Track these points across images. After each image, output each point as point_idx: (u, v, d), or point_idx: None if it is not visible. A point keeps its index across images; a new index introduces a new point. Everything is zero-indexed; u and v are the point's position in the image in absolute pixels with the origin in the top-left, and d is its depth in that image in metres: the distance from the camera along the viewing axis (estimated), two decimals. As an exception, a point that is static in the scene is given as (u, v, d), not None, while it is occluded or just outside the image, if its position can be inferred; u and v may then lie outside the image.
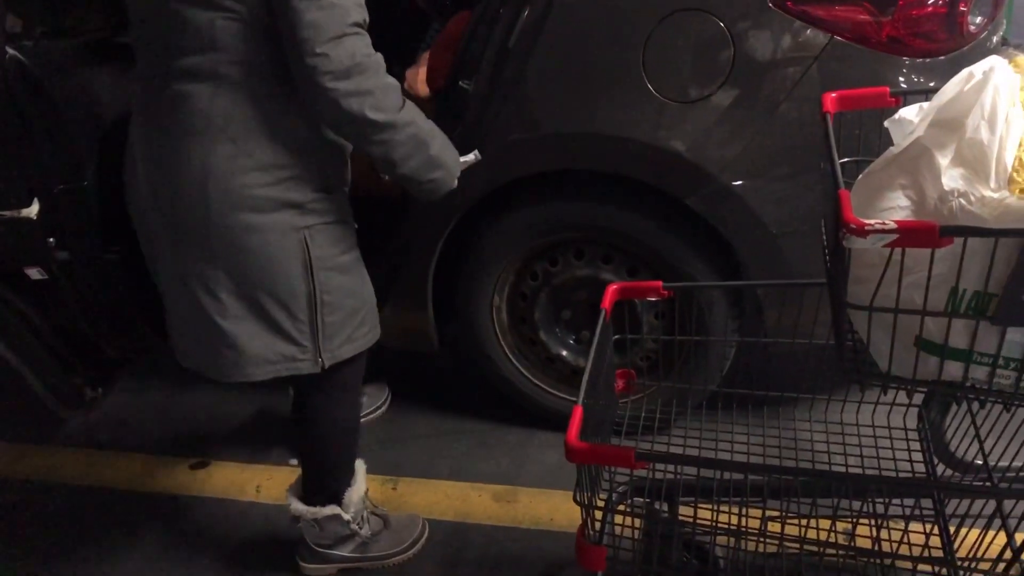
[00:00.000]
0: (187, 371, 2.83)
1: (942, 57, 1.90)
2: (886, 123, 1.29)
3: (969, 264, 1.04)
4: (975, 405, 1.50)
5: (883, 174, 1.17)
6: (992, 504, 1.39)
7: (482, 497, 2.25)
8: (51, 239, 1.75)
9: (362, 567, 2.03)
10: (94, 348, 1.95)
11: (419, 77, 2.40)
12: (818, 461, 1.70)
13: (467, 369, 2.58)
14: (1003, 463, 1.52)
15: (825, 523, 1.46)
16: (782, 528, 1.42)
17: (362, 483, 1.98)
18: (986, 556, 1.33)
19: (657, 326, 2.25)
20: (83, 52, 1.78)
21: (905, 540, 1.38)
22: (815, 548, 1.39)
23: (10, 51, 1.61)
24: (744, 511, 1.54)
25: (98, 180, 1.79)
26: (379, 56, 1.52)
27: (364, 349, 1.80)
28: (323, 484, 1.93)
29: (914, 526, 1.42)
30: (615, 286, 1.66)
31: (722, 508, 1.56)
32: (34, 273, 1.78)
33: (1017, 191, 1.00)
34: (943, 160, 1.07)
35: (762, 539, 1.41)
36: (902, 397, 1.61)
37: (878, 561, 1.44)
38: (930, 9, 1.87)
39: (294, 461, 2.03)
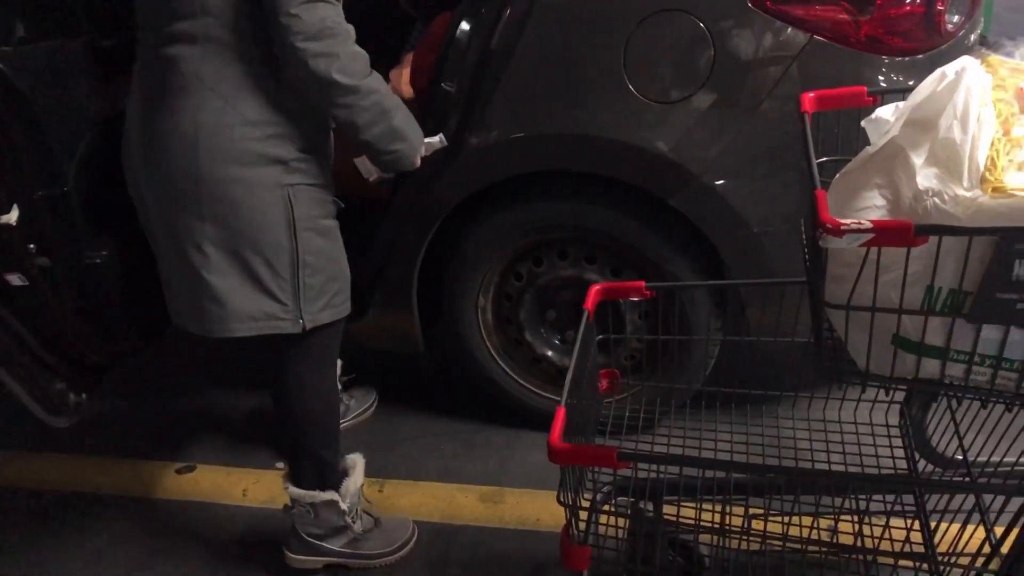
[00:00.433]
0: (172, 376, 2.84)
1: (920, 56, 1.92)
2: (863, 122, 1.30)
3: (944, 262, 1.05)
4: (954, 402, 1.52)
5: (859, 173, 1.18)
6: (972, 499, 1.40)
7: (469, 498, 2.26)
8: (31, 245, 1.74)
9: (349, 565, 2.03)
10: (77, 354, 1.94)
11: (403, 78, 2.40)
12: (801, 459, 1.71)
13: (453, 371, 2.59)
14: (982, 458, 1.53)
15: (808, 520, 1.47)
16: (765, 526, 1.43)
17: (360, 476, 1.99)
18: (966, 551, 1.34)
19: (641, 326, 2.26)
20: (64, 57, 1.77)
21: (886, 536, 1.39)
22: (798, 545, 1.40)
23: (-12, 56, 1.61)
24: (727, 509, 1.54)
25: (78, 186, 1.78)
26: (350, 27, 1.60)
27: (340, 317, 1.84)
28: (311, 462, 1.92)
29: (895, 522, 1.43)
30: (598, 286, 1.67)
31: (706, 506, 1.57)
32: (15, 279, 1.77)
33: (990, 190, 1.01)
34: (917, 159, 1.07)
35: (745, 537, 1.41)
36: (883, 394, 1.62)
37: (860, 557, 1.45)
38: (908, 8, 1.88)
39: (280, 464, 2.03)
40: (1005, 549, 1.29)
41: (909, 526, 1.41)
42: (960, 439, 1.53)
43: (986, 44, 2.11)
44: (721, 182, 1.97)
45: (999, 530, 1.32)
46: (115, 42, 1.88)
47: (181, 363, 2.90)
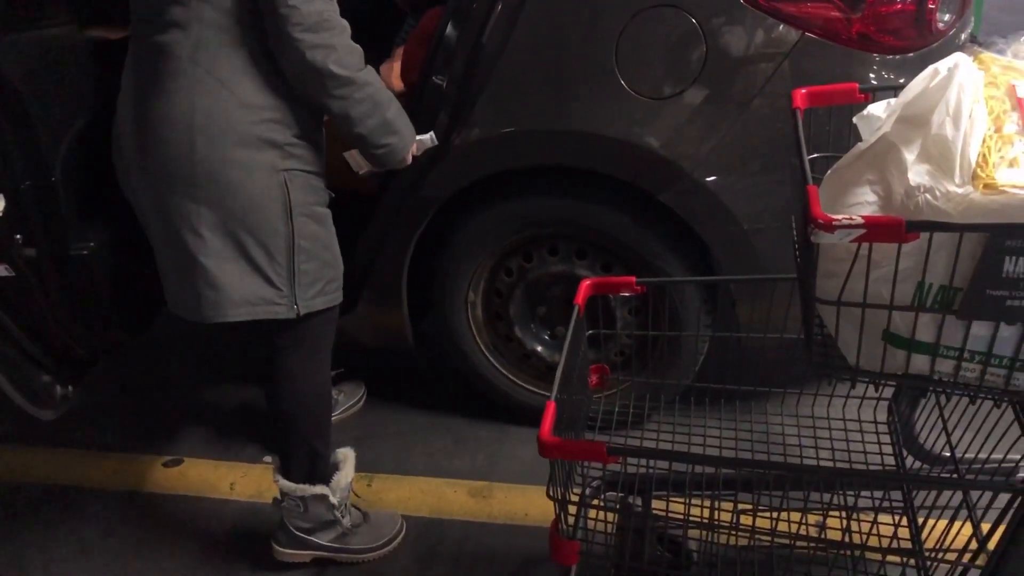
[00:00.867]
0: (160, 368, 2.82)
1: (911, 54, 1.92)
2: (855, 119, 1.30)
3: (935, 259, 1.06)
4: (943, 398, 1.53)
5: (851, 170, 1.18)
6: (959, 495, 1.41)
7: (457, 493, 2.25)
8: (18, 236, 1.73)
9: (337, 559, 2.02)
10: (64, 346, 1.92)
11: (393, 72, 2.39)
12: (790, 455, 1.72)
13: (442, 366, 2.58)
14: (970, 455, 1.54)
15: (796, 516, 1.47)
16: (754, 521, 1.44)
17: (350, 470, 1.99)
18: (953, 547, 1.34)
19: (631, 322, 2.26)
20: (51, 46, 1.76)
21: (874, 532, 1.39)
22: (786, 540, 1.40)
23: (-26, 45, 1.59)
24: (716, 504, 1.55)
25: (65, 176, 1.76)
26: (345, 22, 1.62)
27: (333, 305, 1.84)
28: (302, 454, 1.92)
29: (883, 518, 1.44)
30: (588, 282, 1.67)
31: (694, 502, 1.57)
32: (1, 270, 1.76)
33: (981, 186, 1.01)
34: (909, 156, 1.08)
35: (734, 532, 1.42)
36: (872, 390, 1.63)
37: (848, 553, 1.46)
38: (899, 7, 1.89)
39: (268, 458, 2.02)
40: (992, 545, 1.29)
41: (897, 522, 1.41)
42: (948, 435, 1.53)
43: (976, 44, 2.12)
44: (712, 178, 1.97)
45: (986, 526, 1.32)
46: (101, 31, 1.87)
47: (169, 356, 2.88)
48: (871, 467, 1.67)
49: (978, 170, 1.02)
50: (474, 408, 2.52)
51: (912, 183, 1.07)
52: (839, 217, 1.03)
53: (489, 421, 2.49)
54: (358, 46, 1.65)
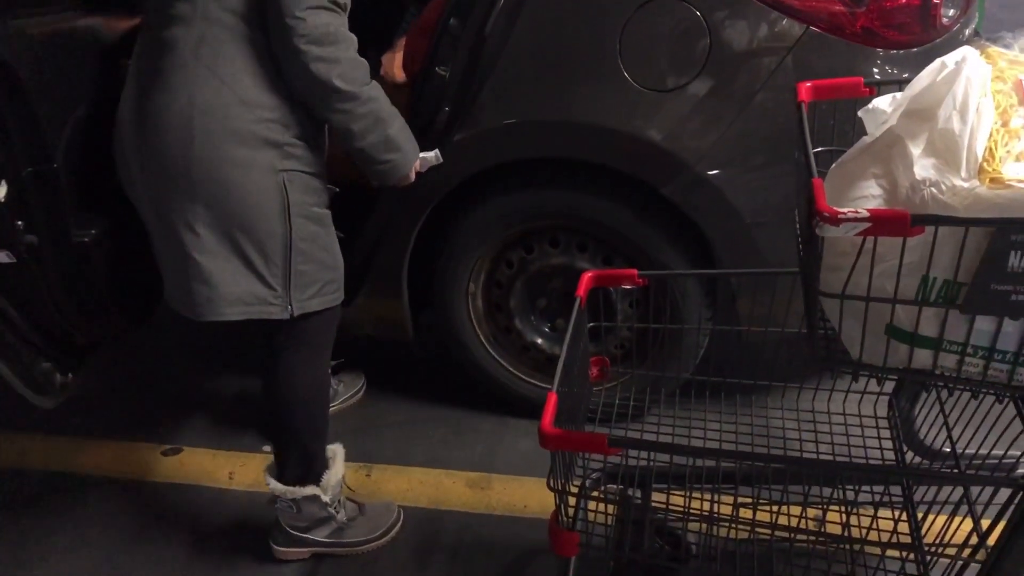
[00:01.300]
0: (159, 357, 2.82)
1: (915, 49, 1.92)
2: (860, 113, 1.29)
3: (939, 253, 1.05)
4: (944, 393, 1.53)
5: (856, 163, 1.18)
6: (959, 491, 1.41)
7: (456, 484, 2.25)
8: (19, 222, 1.72)
9: (336, 553, 2.02)
10: (64, 333, 1.92)
11: (395, 63, 2.38)
12: (789, 448, 1.72)
13: (442, 357, 2.58)
14: (970, 450, 1.54)
15: (796, 509, 1.47)
16: (754, 514, 1.43)
17: (340, 467, 1.98)
18: (953, 542, 1.34)
19: (632, 315, 2.26)
20: (54, 32, 1.75)
21: (874, 526, 1.39)
22: (786, 534, 1.40)
23: (-24, 30, 1.58)
24: (716, 498, 1.55)
25: (68, 163, 1.76)
26: (353, 36, 1.61)
27: (331, 306, 1.82)
28: (297, 455, 1.91)
29: (883, 512, 1.44)
30: (590, 274, 1.66)
31: (694, 495, 1.57)
32: (2, 257, 1.75)
33: (987, 181, 1.01)
34: (915, 150, 1.07)
35: (734, 525, 1.42)
36: (873, 385, 1.63)
37: (847, 547, 1.46)
38: (904, 1, 1.88)
39: (267, 448, 2.02)
40: (992, 541, 1.30)
41: (897, 517, 1.41)
42: (949, 431, 1.53)
43: (980, 38, 2.11)
44: (714, 172, 1.97)
45: (986, 522, 1.32)
46: (104, 19, 1.87)
47: (169, 344, 2.88)
48: (871, 462, 1.67)
49: (984, 164, 1.02)
50: (473, 400, 2.52)
51: (918, 177, 1.06)
52: (844, 210, 1.03)
53: (488, 413, 2.50)
54: (364, 61, 1.64)
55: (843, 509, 1.49)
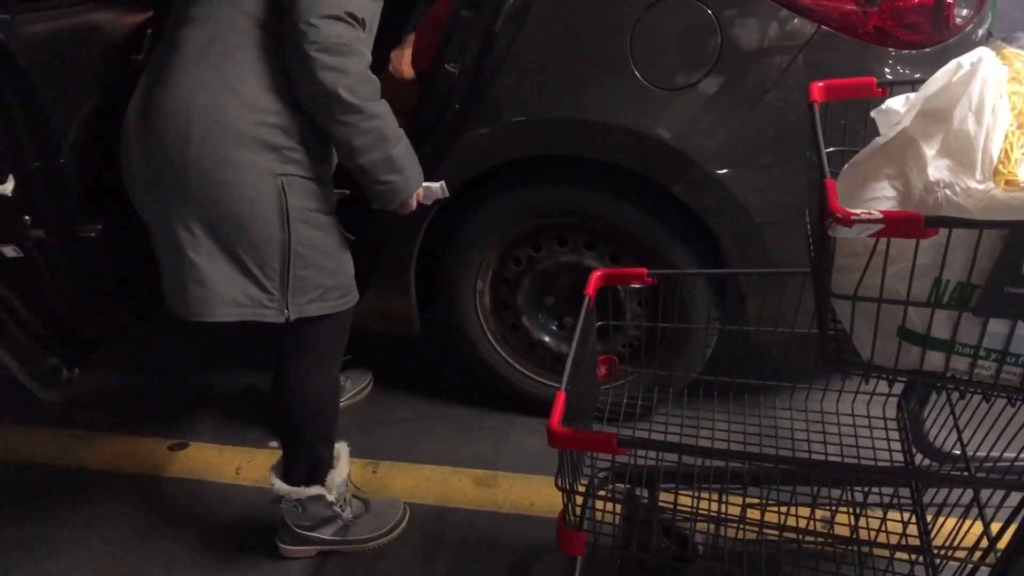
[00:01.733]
0: (166, 351, 2.82)
1: (928, 49, 1.91)
2: (873, 113, 1.28)
3: (953, 255, 1.05)
4: (954, 395, 1.52)
5: (869, 164, 1.17)
6: (969, 493, 1.40)
7: (462, 481, 2.25)
8: (26, 217, 1.72)
9: (342, 551, 2.02)
10: (70, 328, 1.92)
11: (404, 59, 2.38)
12: (798, 449, 1.71)
13: (449, 354, 2.58)
14: (980, 453, 1.53)
15: (804, 511, 1.47)
16: (762, 515, 1.43)
17: (345, 466, 1.98)
18: (962, 545, 1.34)
19: (640, 313, 2.25)
20: (63, 28, 1.75)
21: (883, 528, 1.39)
22: (794, 535, 1.40)
23: (-15, 24, 1.58)
24: (724, 498, 1.54)
25: (75, 158, 1.76)
26: (366, 53, 1.61)
27: (335, 312, 1.80)
28: (305, 458, 1.91)
29: (892, 515, 1.43)
30: (599, 272, 1.65)
31: (702, 495, 1.57)
32: (9, 251, 1.75)
33: (1002, 183, 1.00)
34: (929, 151, 1.07)
35: (741, 526, 1.41)
36: (882, 387, 1.62)
37: (856, 549, 1.45)
38: (917, 1, 1.87)
39: (274, 443, 2.02)
40: (1002, 544, 1.29)
41: (907, 519, 1.41)
42: (959, 433, 1.53)
43: (994, 39, 2.10)
44: (724, 171, 1.96)
45: (996, 526, 1.31)
46: (114, 14, 1.86)
47: (176, 339, 2.88)
48: (880, 463, 1.66)
49: (1000, 166, 1.01)
50: (480, 397, 2.52)
51: (932, 178, 1.05)
52: (857, 211, 1.02)
53: (495, 410, 2.49)
54: (375, 78, 1.63)
55: (852, 511, 1.48)
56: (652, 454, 1.70)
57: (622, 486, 1.69)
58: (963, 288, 1.07)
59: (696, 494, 1.53)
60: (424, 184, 1.81)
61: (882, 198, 1.12)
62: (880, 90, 1.38)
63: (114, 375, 2.70)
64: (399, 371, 2.68)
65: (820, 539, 1.43)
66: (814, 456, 1.67)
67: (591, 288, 1.62)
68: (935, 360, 1.15)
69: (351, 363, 2.57)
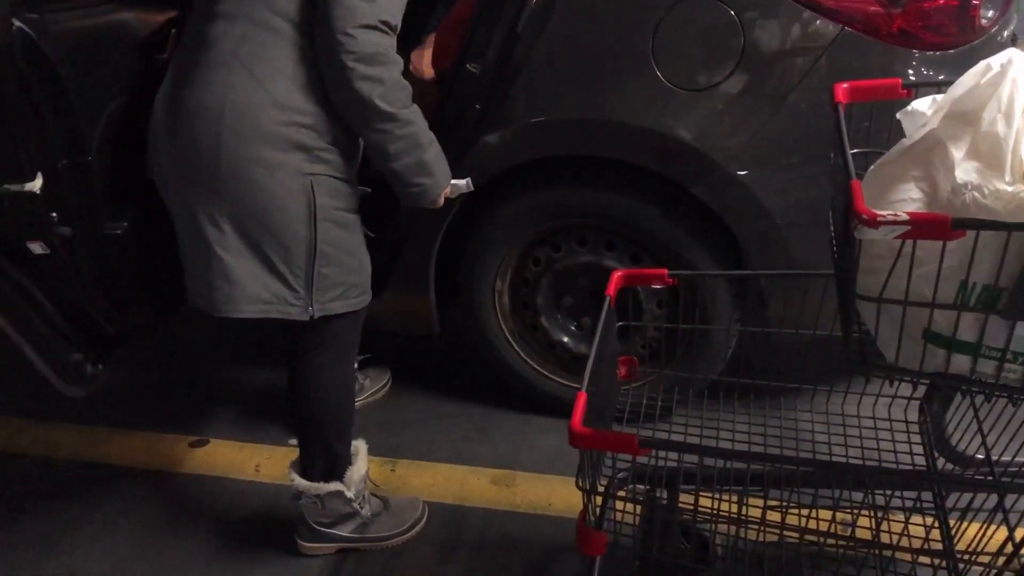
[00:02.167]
0: (188, 348, 2.84)
1: (952, 51, 1.90)
2: (898, 115, 1.28)
3: (980, 258, 1.04)
4: (978, 399, 1.51)
5: (895, 165, 1.17)
6: (993, 498, 1.39)
7: (480, 481, 2.26)
8: (54, 214, 1.74)
9: (361, 548, 2.03)
10: (95, 324, 1.94)
11: (424, 59, 2.38)
12: (818, 452, 1.70)
13: (467, 353, 2.58)
14: (1005, 457, 1.52)
15: (825, 514, 1.46)
16: (783, 518, 1.42)
17: (363, 463, 1.99)
18: (986, 550, 1.33)
19: (659, 314, 2.25)
20: (90, 26, 1.77)
21: (905, 532, 1.38)
22: (815, 538, 1.39)
23: (15, 23, 1.59)
24: (744, 500, 1.54)
25: (102, 156, 1.77)
26: (399, 59, 1.63)
27: (355, 310, 1.82)
28: (322, 454, 1.92)
29: (914, 519, 1.42)
30: (620, 272, 1.65)
31: (722, 497, 1.56)
32: (36, 248, 1.77)
33: (1031, 185, 0.99)
34: (957, 153, 1.06)
35: (762, 528, 1.41)
36: (904, 390, 1.62)
37: (877, 553, 1.44)
38: (942, 2, 1.86)
39: (293, 441, 2.04)
40: (1026, 550, 1.28)
41: (929, 524, 1.40)
42: (984, 437, 1.52)
43: (1016, 42, 2.09)
44: (746, 172, 1.96)
45: (1021, 532, 1.30)
46: (141, 13, 1.88)
47: (198, 336, 2.90)
48: (901, 467, 1.65)
49: (1029, 169, 1.00)
50: (498, 396, 2.52)
51: (959, 180, 1.05)
52: (884, 213, 1.02)
53: (512, 410, 2.50)
54: (408, 84, 1.65)
55: (873, 514, 1.48)
56: (672, 455, 1.69)
57: (642, 487, 1.69)
58: (990, 291, 1.07)
59: (716, 496, 1.52)
60: (452, 182, 1.84)
61: (908, 200, 1.12)
62: (905, 92, 1.37)
63: (137, 371, 2.72)
64: (418, 370, 2.69)
65: (841, 542, 1.42)
66: (835, 459, 1.66)
67: (612, 288, 1.62)
68: (961, 363, 1.14)
69: (370, 362, 2.58)
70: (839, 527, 1.47)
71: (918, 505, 1.51)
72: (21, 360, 1.86)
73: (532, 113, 2.05)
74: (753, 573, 1.56)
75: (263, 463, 2.35)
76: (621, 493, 1.63)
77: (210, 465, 2.36)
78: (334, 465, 1.93)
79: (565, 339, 2.40)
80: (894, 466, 1.64)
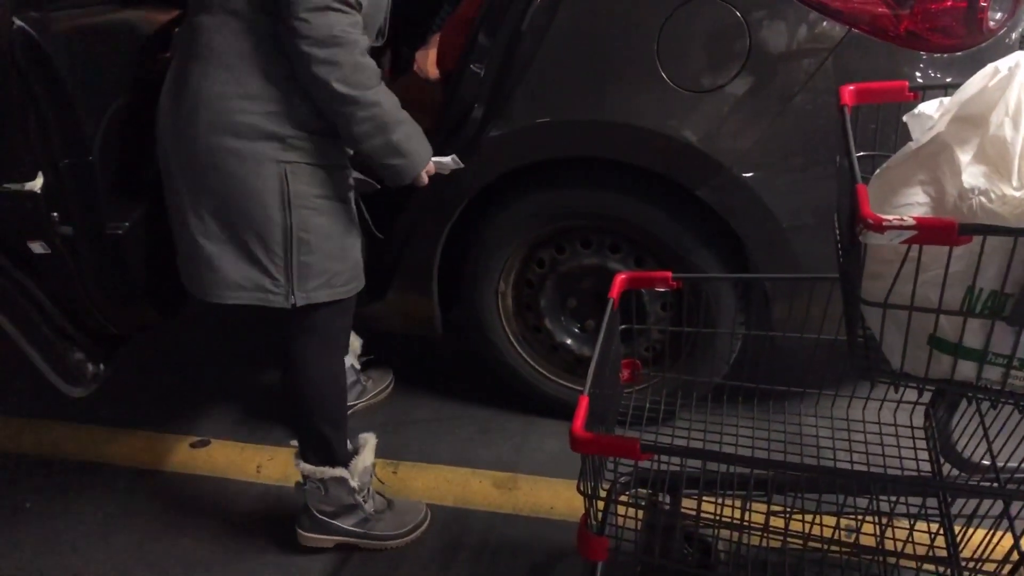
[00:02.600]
0: (190, 349, 2.83)
1: (960, 53, 1.88)
2: (905, 118, 1.27)
3: (987, 263, 1.03)
4: (984, 405, 1.50)
5: (901, 169, 1.15)
6: (999, 505, 1.38)
7: (482, 483, 2.25)
8: (55, 214, 1.73)
9: (361, 545, 2.02)
10: (96, 324, 1.93)
11: (429, 59, 2.38)
12: (823, 457, 1.69)
13: (470, 355, 2.57)
14: (1011, 464, 1.50)
15: (829, 520, 1.45)
16: (786, 524, 1.41)
17: (369, 455, 1.99)
18: (991, 557, 1.31)
19: (662, 317, 2.23)
20: (92, 25, 1.76)
21: (910, 539, 1.37)
22: (819, 545, 1.38)
23: (16, 22, 1.59)
24: (748, 505, 1.52)
25: (103, 155, 1.77)
26: (361, 37, 1.61)
27: (342, 299, 1.82)
28: (312, 439, 1.93)
29: (919, 525, 1.41)
30: (624, 275, 1.64)
31: (725, 501, 1.55)
32: (37, 247, 1.76)
33: (1040, 190, 0.98)
34: (964, 157, 1.05)
35: (765, 534, 1.40)
36: (909, 395, 1.59)
37: (882, 559, 1.43)
38: (950, 4, 1.85)
39: (294, 442, 2.03)
40: (1032, 557, 1.27)
41: (934, 531, 1.38)
42: (989, 443, 1.50)
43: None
44: (751, 174, 1.94)
45: (1027, 538, 1.29)
46: (143, 12, 1.88)
47: (200, 336, 2.90)
48: (907, 473, 1.64)
49: (1037, 173, 0.99)
50: (501, 399, 2.51)
51: (966, 185, 1.04)
52: (890, 217, 1.01)
53: (515, 412, 2.48)
54: (370, 64, 1.63)
55: (878, 520, 1.46)
56: (675, 459, 1.68)
57: (644, 491, 1.68)
58: (997, 297, 1.05)
59: (720, 501, 1.51)
60: (434, 160, 1.82)
61: (915, 204, 1.10)
62: (912, 94, 1.36)
63: (138, 372, 2.71)
64: (420, 372, 2.68)
65: (845, 549, 1.41)
66: (839, 464, 1.65)
67: (615, 291, 1.61)
68: (967, 369, 1.13)
69: (372, 363, 2.57)
70: (843, 533, 1.46)
71: (923, 512, 1.49)
72: (22, 360, 1.86)
73: (536, 114, 2.04)
74: (756, 579, 1.55)
75: (264, 464, 2.34)
76: (623, 497, 1.62)
77: (211, 466, 2.35)
78: (327, 451, 1.94)
79: (568, 341, 2.39)
80: (899, 472, 1.63)
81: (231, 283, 1.73)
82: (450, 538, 2.07)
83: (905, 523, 1.43)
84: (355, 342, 2.47)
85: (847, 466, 1.65)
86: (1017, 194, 0.99)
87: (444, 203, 2.17)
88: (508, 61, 2.00)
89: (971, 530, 1.38)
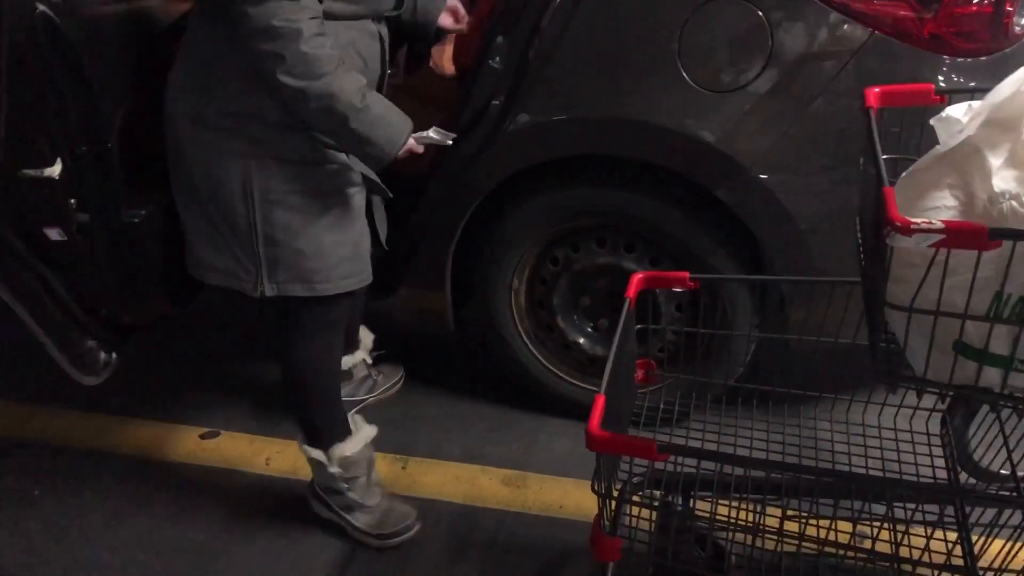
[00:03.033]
0: (201, 340, 2.83)
1: (984, 58, 1.86)
2: (932, 121, 1.25)
3: (1016, 269, 1.02)
4: (1004, 413, 1.48)
5: (929, 173, 1.14)
6: (1018, 515, 1.36)
7: (492, 481, 2.24)
8: (72, 200, 1.73)
9: (347, 531, 2.04)
10: (110, 312, 1.93)
11: (445, 55, 2.37)
12: (838, 462, 1.68)
13: (481, 352, 2.56)
14: (1030, 473, 1.49)
15: (845, 526, 1.44)
16: (801, 529, 1.40)
17: (356, 444, 1.98)
18: (1009, 568, 1.30)
19: (677, 317, 2.22)
20: (113, 14, 1.76)
21: (926, 548, 1.35)
22: (833, 551, 1.37)
23: (40, 7, 1.59)
24: (761, 509, 1.51)
25: (122, 143, 1.77)
26: (303, 24, 1.52)
27: (321, 295, 1.81)
28: (300, 419, 1.99)
29: (936, 534, 1.39)
30: (641, 275, 1.63)
31: (739, 505, 1.54)
32: (54, 234, 1.76)
33: (1072, 196, 0.97)
34: (995, 161, 1.04)
35: (779, 539, 1.38)
36: (927, 401, 1.59)
37: (897, 567, 1.42)
38: (975, 8, 1.83)
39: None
40: (1051, 568, 1.25)
41: (951, 539, 1.37)
42: (1009, 452, 1.49)
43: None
44: (770, 176, 1.93)
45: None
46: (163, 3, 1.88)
47: (212, 328, 2.89)
48: (923, 480, 1.62)
49: (1070, 178, 0.98)
50: (511, 396, 2.50)
51: (997, 189, 1.03)
52: (918, 221, 0.99)
53: (526, 410, 2.47)
54: (314, 53, 1.53)
55: (894, 528, 1.45)
56: (689, 461, 1.67)
57: (657, 492, 1.67)
58: (1025, 303, 1.04)
59: (736, 504, 1.50)
60: (414, 136, 1.74)
61: (942, 208, 1.09)
62: (938, 98, 1.34)
63: (149, 362, 2.71)
64: (431, 368, 2.67)
65: (860, 556, 1.40)
66: (855, 470, 1.64)
67: (632, 291, 1.60)
68: (992, 376, 1.11)
69: (383, 358, 2.56)
70: (858, 540, 1.45)
71: (940, 520, 1.48)
72: (33, 347, 1.86)
73: (554, 111, 2.03)
74: (769, 583, 1.54)
75: (273, 456, 2.33)
76: (636, 498, 1.61)
77: (220, 457, 2.35)
78: (310, 432, 1.98)
79: (581, 340, 2.38)
80: (915, 479, 1.61)
81: (206, 264, 1.81)
82: (459, 535, 2.07)
83: (922, 531, 1.41)
84: (367, 337, 2.46)
85: (862, 472, 1.63)
86: (1049, 199, 0.98)
87: (459, 198, 2.16)
88: (525, 58, 1.99)
89: (989, 539, 1.36)
